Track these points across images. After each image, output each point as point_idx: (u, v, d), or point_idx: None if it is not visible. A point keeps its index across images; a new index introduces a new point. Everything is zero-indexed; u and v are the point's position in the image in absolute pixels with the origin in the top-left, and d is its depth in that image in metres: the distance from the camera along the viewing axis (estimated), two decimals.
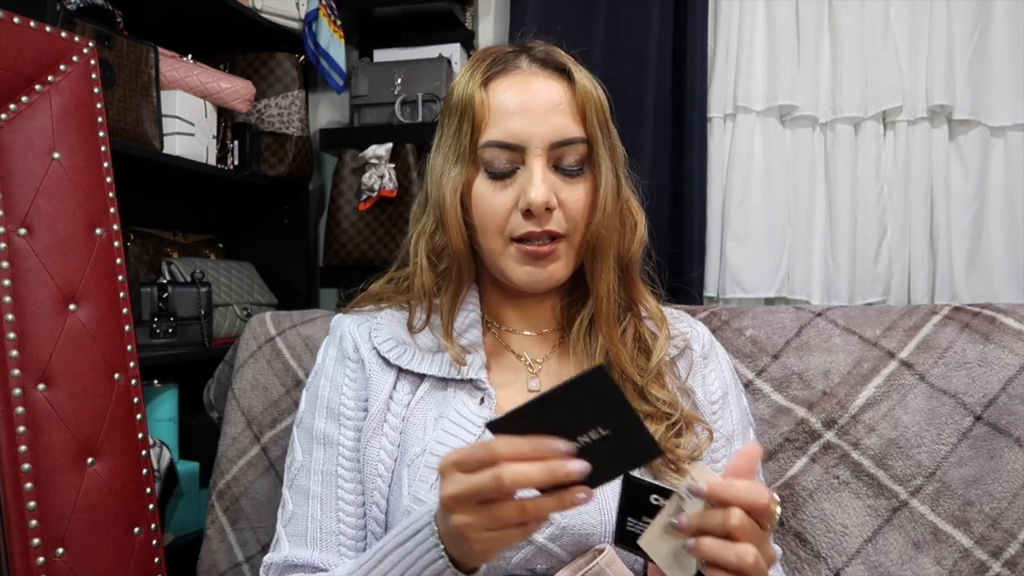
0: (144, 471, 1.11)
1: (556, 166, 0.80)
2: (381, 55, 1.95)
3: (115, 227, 1.14)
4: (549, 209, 0.78)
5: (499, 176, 0.80)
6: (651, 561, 0.61)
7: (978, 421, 0.96)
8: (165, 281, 1.62)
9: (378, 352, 0.84)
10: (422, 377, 0.83)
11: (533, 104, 0.79)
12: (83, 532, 1.03)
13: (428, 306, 0.85)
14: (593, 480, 0.54)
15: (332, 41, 1.82)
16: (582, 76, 0.82)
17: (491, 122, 0.79)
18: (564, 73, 0.82)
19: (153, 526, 1.11)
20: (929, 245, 1.78)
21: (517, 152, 0.79)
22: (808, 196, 1.83)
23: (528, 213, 0.78)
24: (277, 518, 0.85)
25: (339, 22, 1.85)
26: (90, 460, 1.05)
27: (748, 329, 1.07)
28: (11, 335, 1.00)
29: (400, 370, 0.84)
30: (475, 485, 0.55)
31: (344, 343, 0.87)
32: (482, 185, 0.80)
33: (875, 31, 1.76)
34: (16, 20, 1.06)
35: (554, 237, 0.80)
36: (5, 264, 1.02)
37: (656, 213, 1.20)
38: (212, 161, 1.68)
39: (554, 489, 0.54)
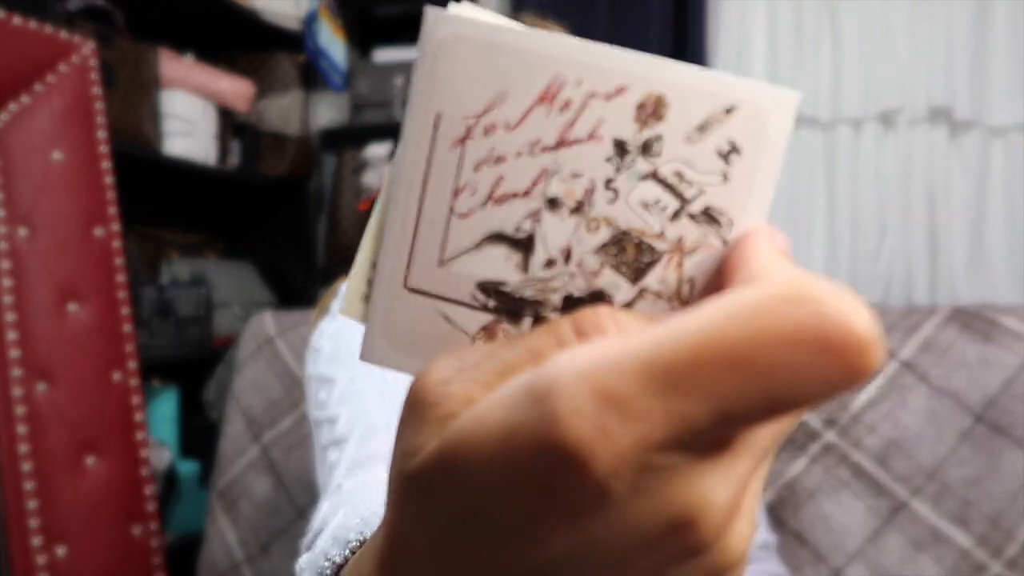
0: (144, 471, 1.11)
1: None
2: (381, 55, 1.95)
3: (115, 227, 1.14)
4: None
5: None
6: None
7: (978, 421, 0.96)
8: (165, 281, 1.62)
9: None
10: None
11: None
12: (83, 532, 1.02)
13: None
14: None
15: (332, 41, 1.82)
16: None
17: None
18: None
19: (153, 526, 1.11)
20: (929, 245, 1.78)
21: None
22: (808, 196, 1.83)
23: None
24: (318, 480, 0.66)
25: (339, 22, 1.85)
26: (90, 460, 1.05)
27: None
28: (11, 335, 1.00)
29: None
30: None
31: None
32: None
33: (875, 31, 1.76)
34: (16, 20, 1.06)
35: None
36: (5, 264, 1.02)
37: None
38: (212, 161, 1.68)
39: None
